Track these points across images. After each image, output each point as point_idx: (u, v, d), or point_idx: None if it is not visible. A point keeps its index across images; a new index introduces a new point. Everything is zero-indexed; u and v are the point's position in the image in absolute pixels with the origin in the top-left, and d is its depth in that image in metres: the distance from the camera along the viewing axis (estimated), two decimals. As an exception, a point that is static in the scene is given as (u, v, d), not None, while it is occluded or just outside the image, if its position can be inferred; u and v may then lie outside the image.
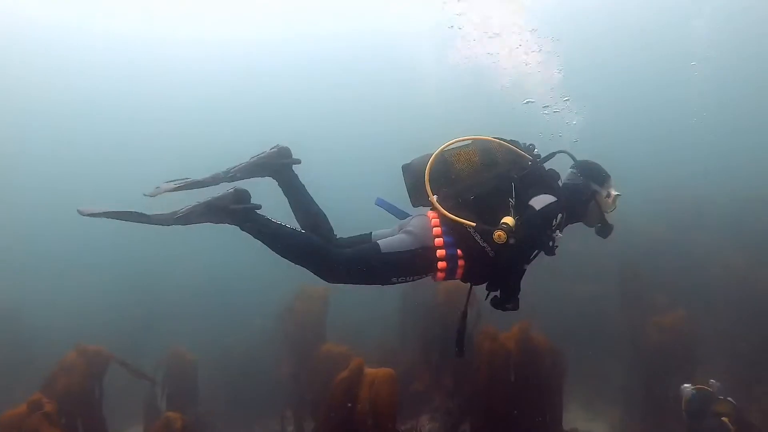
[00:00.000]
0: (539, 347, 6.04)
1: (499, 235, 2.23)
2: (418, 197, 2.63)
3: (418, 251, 2.37)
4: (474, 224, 2.34)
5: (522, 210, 2.41)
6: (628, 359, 8.36)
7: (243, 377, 10.08)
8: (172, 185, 2.42)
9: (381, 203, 2.83)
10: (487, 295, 2.54)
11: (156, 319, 12.55)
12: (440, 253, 2.37)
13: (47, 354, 7.77)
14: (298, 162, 2.67)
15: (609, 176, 2.79)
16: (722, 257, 8.78)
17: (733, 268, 7.66)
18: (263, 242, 2.36)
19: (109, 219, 2.24)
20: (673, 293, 7.70)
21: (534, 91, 3.33)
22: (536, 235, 2.40)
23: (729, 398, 6.29)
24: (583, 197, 2.71)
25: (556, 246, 2.50)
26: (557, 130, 3.24)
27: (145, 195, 2.36)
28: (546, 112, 3.30)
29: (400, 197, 2.74)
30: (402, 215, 2.74)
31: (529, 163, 2.59)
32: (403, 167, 2.69)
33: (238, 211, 2.30)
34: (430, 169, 2.49)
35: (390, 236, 2.56)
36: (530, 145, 2.68)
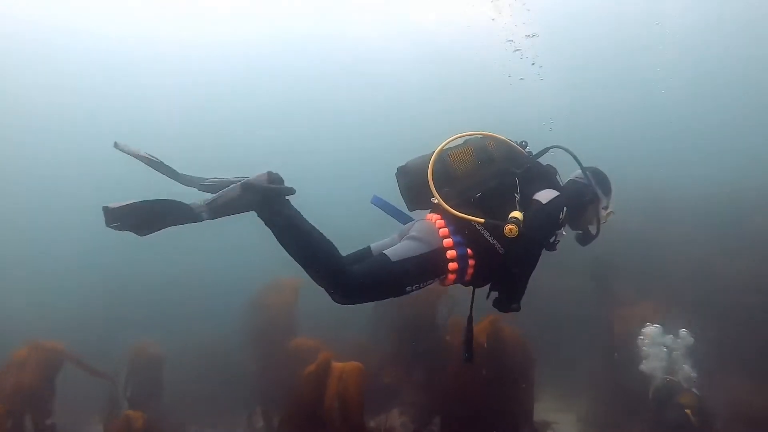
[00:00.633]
0: (510, 339, 6.02)
1: (510, 228, 2.18)
2: (416, 199, 2.56)
3: (429, 254, 2.30)
4: (482, 221, 2.29)
5: (527, 205, 2.37)
6: (597, 351, 8.45)
7: (212, 372, 9.88)
8: (142, 153, 2.21)
9: (377, 202, 2.72)
10: (488, 295, 2.49)
11: (123, 314, 12.18)
12: (450, 253, 2.31)
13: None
14: (292, 192, 2.32)
15: (611, 190, 2.78)
16: (693, 251, 8.95)
17: (703, 262, 7.79)
18: (284, 238, 2.19)
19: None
20: (642, 286, 7.79)
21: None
22: (546, 228, 2.39)
23: (693, 389, 6.44)
24: (585, 198, 2.68)
25: (558, 241, 2.51)
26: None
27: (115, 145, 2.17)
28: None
29: (394, 202, 2.68)
30: (399, 215, 2.69)
31: (526, 158, 2.57)
32: (398, 169, 2.60)
33: (274, 192, 2.15)
34: (432, 167, 2.40)
35: (390, 245, 2.49)
36: (522, 142, 2.66)
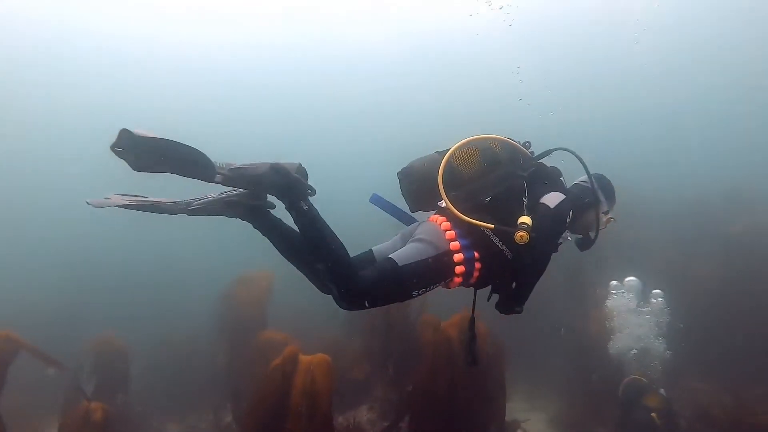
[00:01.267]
0: (481, 336, 5.97)
1: (521, 236, 2.17)
2: (420, 201, 2.52)
3: (437, 257, 2.25)
4: (492, 226, 2.25)
5: (535, 208, 2.36)
6: (569, 352, 8.49)
7: (181, 366, 9.66)
8: (122, 200, 2.11)
9: (376, 200, 2.67)
10: (490, 297, 2.47)
11: (88, 306, 11.84)
12: (458, 257, 2.27)
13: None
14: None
15: (615, 197, 2.80)
16: (663, 252, 9.07)
17: (672, 263, 7.90)
18: (304, 227, 2.15)
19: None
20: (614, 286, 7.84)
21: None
22: (556, 233, 2.37)
23: (661, 390, 6.50)
24: (587, 201, 2.66)
25: (560, 243, 2.51)
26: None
27: (88, 203, 2.03)
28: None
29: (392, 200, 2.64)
30: (399, 214, 2.66)
31: (531, 160, 2.56)
32: (402, 171, 2.54)
33: (300, 183, 2.11)
34: (443, 171, 2.36)
35: (393, 247, 2.45)
36: (526, 143, 2.64)
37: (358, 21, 27.91)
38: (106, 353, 7.85)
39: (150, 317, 11.10)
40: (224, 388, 7.83)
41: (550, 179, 2.52)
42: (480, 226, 2.26)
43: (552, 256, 2.41)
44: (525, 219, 2.23)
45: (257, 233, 2.34)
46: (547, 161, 2.65)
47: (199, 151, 1.98)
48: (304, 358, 5.06)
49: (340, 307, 2.20)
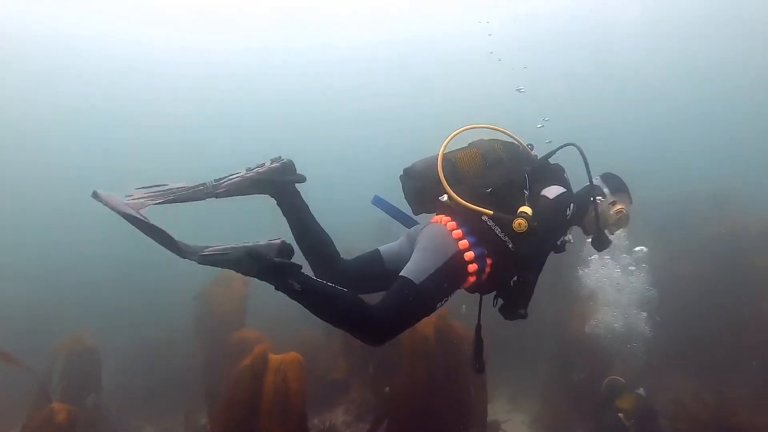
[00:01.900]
0: (459, 335, 5.86)
1: (519, 223, 2.18)
2: (422, 201, 2.51)
3: (450, 262, 2.23)
4: (491, 213, 2.26)
5: (536, 200, 2.38)
6: (551, 351, 8.40)
7: (159, 366, 9.47)
8: (145, 196, 2.08)
9: (378, 203, 2.66)
10: (495, 302, 2.44)
11: (65, 306, 11.56)
12: (469, 255, 2.25)
13: None
14: (303, 180, 2.44)
15: (625, 189, 2.72)
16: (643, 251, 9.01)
17: (653, 263, 7.84)
18: (300, 303, 2.10)
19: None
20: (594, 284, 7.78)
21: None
22: (554, 223, 2.37)
23: (641, 389, 6.43)
24: (587, 196, 2.63)
25: (566, 242, 2.52)
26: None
27: (103, 201, 1.99)
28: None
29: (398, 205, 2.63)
30: (401, 216, 2.64)
31: (534, 159, 2.59)
32: (404, 171, 2.53)
33: (281, 267, 2.00)
34: (442, 156, 2.39)
35: (399, 249, 2.49)
36: (529, 145, 2.66)
37: (359, 21, 27.95)
38: (76, 353, 7.60)
39: (127, 317, 10.87)
40: (200, 389, 7.64)
41: (553, 174, 2.53)
42: (479, 211, 2.26)
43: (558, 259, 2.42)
44: (525, 209, 2.25)
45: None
46: (552, 161, 2.65)
47: (163, 230, 1.92)
48: (274, 357, 4.91)
49: (370, 345, 2.18)
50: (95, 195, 1.95)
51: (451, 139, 2.46)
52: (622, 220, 2.66)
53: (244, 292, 8.31)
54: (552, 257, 2.48)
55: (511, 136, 2.63)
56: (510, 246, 2.29)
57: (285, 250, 2.04)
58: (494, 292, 2.43)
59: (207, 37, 28.90)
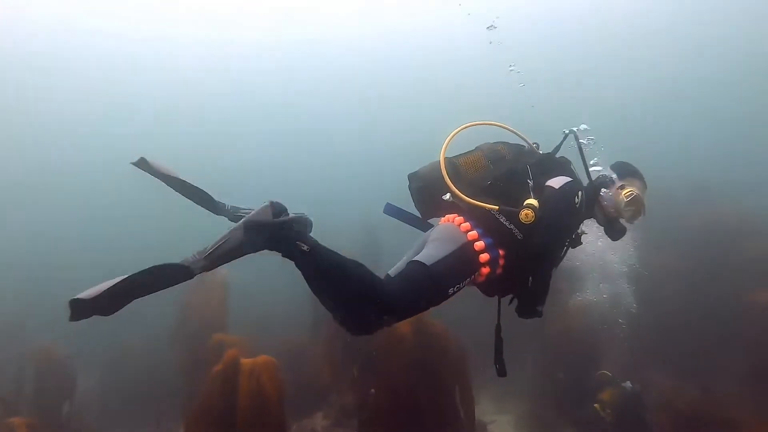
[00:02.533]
0: (438, 334, 5.73)
1: (526, 213, 2.16)
2: (427, 201, 2.49)
3: (460, 250, 2.21)
4: (497, 207, 2.24)
5: (541, 191, 2.34)
6: (536, 351, 8.31)
7: (137, 374, 9.19)
8: (163, 167, 2.07)
9: (390, 210, 2.65)
10: (511, 301, 2.42)
11: (39, 313, 11.18)
12: (479, 245, 2.22)
13: None
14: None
15: (636, 174, 2.67)
16: (625, 246, 8.98)
17: (633, 257, 7.79)
18: (307, 270, 1.96)
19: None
20: (576, 281, 7.72)
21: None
22: (562, 213, 2.30)
23: (628, 382, 6.37)
24: (595, 183, 2.61)
25: (581, 233, 2.49)
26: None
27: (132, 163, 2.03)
28: None
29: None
30: (414, 220, 2.63)
31: (538, 153, 2.57)
32: (409, 176, 2.54)
33: (284, 226, 1.90)
34: (443, 159, 2.37)
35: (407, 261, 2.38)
36: (535, 143, 2.64)
37: (359, 22, 27.84)
38: (45, 363, 7.32)
39: (104, 322, 10.53)
40: (177, 396, 7.41)
41: (558, 166, 2.50)
42: (484, 207, 2.23)
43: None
44: (531, 200, 2.22)
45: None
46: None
47: (159, 265, 1.73)
48: (246, 362, 4.72)
49: (380, 326, 2.05)
50: (142, 162, 1.98)
51: (455, 134, 2.44)
52: (633, 204, 2.58)
53: (222, 297, 8.09)
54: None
55: (516, 134, 2.60)
56: (520, 237, 2.26)
57: (278, 208, 1.95)
58: (511, 295, 2.40)
59: (207, 36, 28.71)
